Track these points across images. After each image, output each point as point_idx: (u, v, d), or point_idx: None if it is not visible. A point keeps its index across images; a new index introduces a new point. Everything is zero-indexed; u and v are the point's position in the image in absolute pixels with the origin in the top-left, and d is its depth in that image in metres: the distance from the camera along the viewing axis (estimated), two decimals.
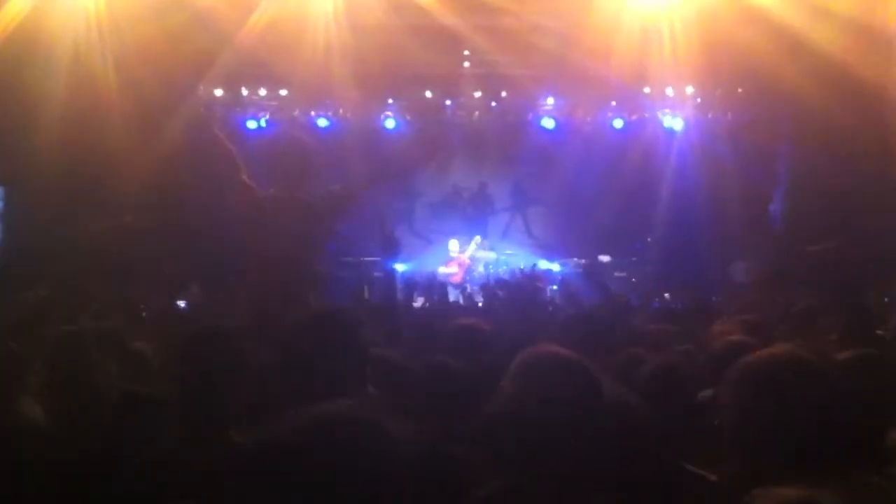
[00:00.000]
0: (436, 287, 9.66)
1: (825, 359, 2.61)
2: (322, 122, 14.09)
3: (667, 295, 12.44)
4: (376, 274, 13.90)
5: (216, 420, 2.89)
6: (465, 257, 13.96)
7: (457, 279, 13.61)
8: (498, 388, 2.72)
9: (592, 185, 14.08)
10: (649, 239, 14.26)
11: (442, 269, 13.80)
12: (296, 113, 14.00)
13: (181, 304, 7.92)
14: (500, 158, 14.91)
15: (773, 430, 2.39)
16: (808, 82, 9.87)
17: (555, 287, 13.81)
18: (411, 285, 10.69)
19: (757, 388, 2.48)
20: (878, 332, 5.04)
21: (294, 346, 3.09)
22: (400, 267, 14.15)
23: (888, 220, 10.35)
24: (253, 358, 3.23)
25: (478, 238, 14.27)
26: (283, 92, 13.64)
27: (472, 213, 14.89)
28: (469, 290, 12.09)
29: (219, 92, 13.10)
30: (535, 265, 14.12)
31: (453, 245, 14.05)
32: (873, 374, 3.09)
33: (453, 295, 13.10)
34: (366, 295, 13.18)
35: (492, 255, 14.31)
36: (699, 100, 13.89)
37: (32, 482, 2.72)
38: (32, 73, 9.10)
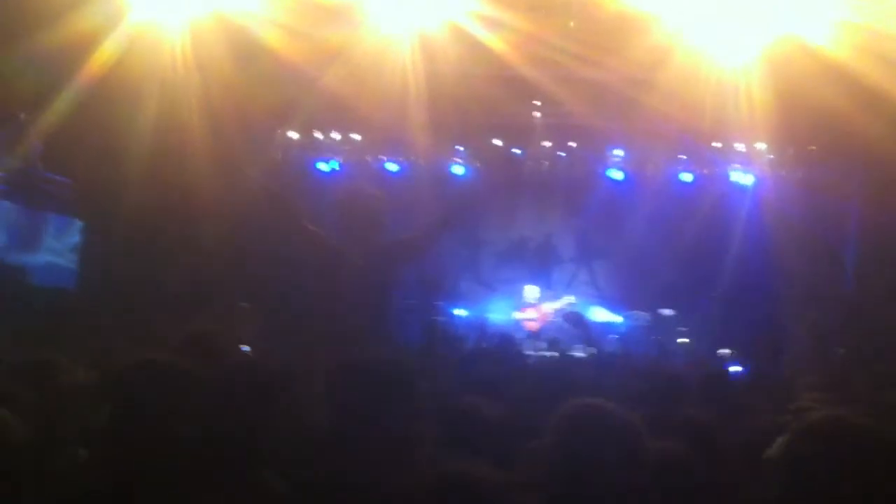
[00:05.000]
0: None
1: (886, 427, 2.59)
2: (392, 167, 14.30)
3: (727, 350, 12.30)
4: (438, 318, 14.05)
5: (248, 461, 2.90)
6: (548, 309, 13.84)
7: (533, 327, 13.57)
8: (542, 438, 2.77)
9: (659, 239, 14.02)
10: (714, 295, 14.09)
11: (518, 315, 13.77)
12: (367, 157, 14.24)
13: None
14: (567, 209, 14.93)
15: (821, 491, 2.39)
16: (886, 141, 9.74)
17: (615, 336, 13.76)
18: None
19: (807, 448, 2.51)
20: None
21: (347, 396, 3.11)
22: (462, 313, 14.24)
23: None
24: (300, 401, 3.25)
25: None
26: (356, 136, 13.90)
27: (538, 263, 14.87)
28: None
29: (293, 135, 13.44)
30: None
31: (530, 291, 13.95)
32: None
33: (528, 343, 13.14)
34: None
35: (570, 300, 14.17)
36: (771, 156, 13.80)
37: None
38: (118, 112, 9.42)
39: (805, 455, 2.49)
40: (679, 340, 13.33)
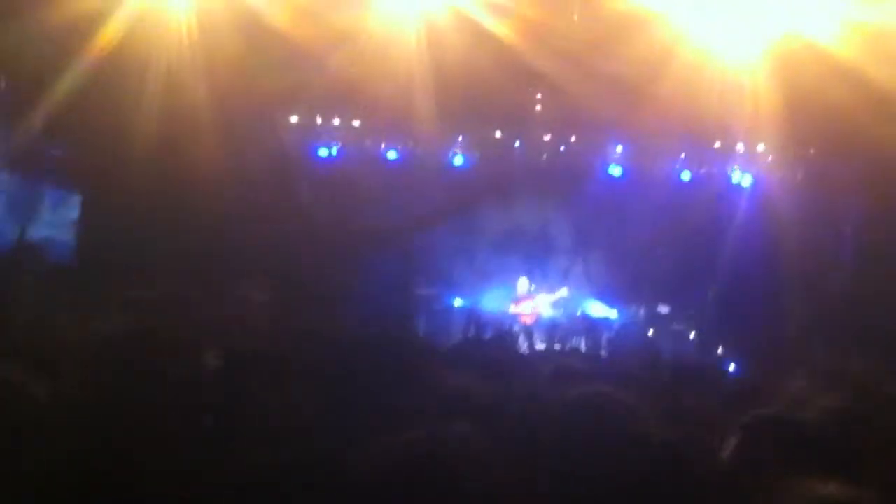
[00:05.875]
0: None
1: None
2: (392, 155, 14.26)
3: (720, 349, 12.36)
4: (435, 307, 14.09)
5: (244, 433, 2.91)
6: (541, 303, 13.92)
7: (527, 320, 13.62)
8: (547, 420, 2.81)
9: (655, 236, 14.04)
10: (710, 293, 14.13)
11: (513, 308, 13.83)
12: (367, 143, 14.19)
13: None
14: (565, 202, 14.91)
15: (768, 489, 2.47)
16: (890, 142, 9.74)
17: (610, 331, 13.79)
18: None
19: (753, 447, 2.74)
20: None
21: (350, 367, 3.12)
22: (457, 302, 14.26)
23: None
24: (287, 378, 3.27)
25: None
26: (356, 122, 13.87)
27: (534, 255, 14.90)
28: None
29: (294, 118, 13.40)
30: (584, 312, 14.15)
31: (523, 284, 14.03)
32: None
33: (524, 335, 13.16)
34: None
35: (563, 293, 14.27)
36: (770, 157, 13.82)
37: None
38: (121, 89, 9.41)
39: (751, 454, 2.60)
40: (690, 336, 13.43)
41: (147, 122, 9.61)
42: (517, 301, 13.88)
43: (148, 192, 9.86)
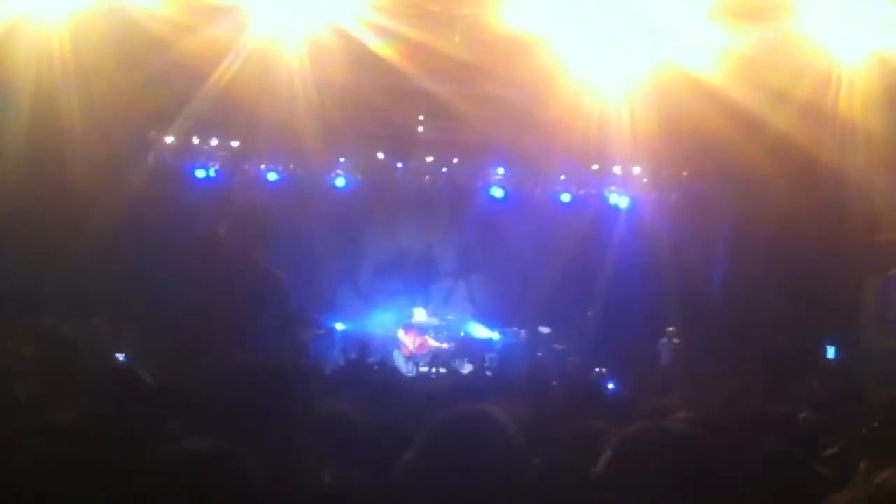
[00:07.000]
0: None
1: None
2: (272, 176, 13.98)
3: (599, 369, 12.55)
4: (317, 331, 13.84)
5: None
6: (430, 340, 13.83)
7: (406, 352, 13.51)
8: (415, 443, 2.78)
9: (536, 257, 14.20)
10: (589, 313, 14.36)
11: (400, 334, 13.71)
12: (246, 165, 13.88)
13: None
14: (448, 224, 14.94)
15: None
16: (759, 166, 10.13)
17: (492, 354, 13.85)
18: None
19: (627, 460, 2.69)
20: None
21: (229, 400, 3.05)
22: (339, 326, 14.05)
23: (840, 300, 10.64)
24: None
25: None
26: (235, 143, 13.55)
27: (417, 277, 14.84)
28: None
29: (170, 139, 12.97)
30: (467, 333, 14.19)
31: (419, 314, 13.94)
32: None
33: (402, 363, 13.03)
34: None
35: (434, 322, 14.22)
36: (645, 180, 14.18)
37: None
38: None
39: (625, 467, 2.60)
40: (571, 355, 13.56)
41: (14, 140, 9.15)
42: (407, 329, 13.77)
43: (21, 214, 9.42)
